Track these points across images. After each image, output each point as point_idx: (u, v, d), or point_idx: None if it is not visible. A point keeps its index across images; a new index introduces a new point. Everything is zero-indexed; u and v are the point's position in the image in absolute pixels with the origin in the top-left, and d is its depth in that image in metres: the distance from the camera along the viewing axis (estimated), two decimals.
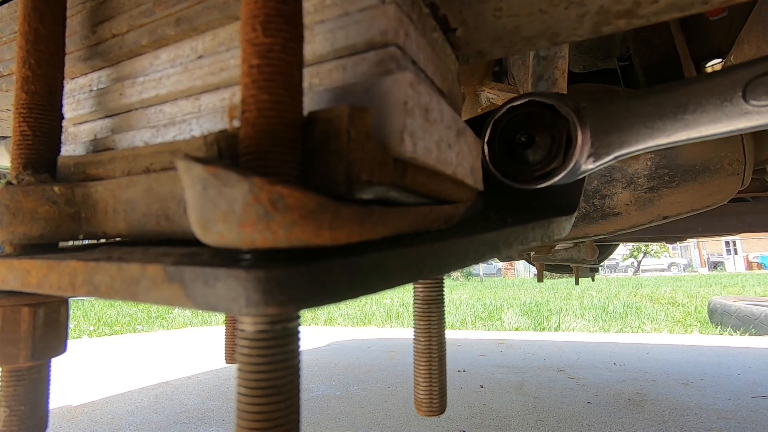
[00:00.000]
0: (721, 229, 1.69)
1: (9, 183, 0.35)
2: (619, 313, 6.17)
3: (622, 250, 24.68)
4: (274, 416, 0.19)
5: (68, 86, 0.44)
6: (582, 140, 0.47)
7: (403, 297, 8.79)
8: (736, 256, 28.01)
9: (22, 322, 0.35)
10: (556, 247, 2.09)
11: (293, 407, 0.20)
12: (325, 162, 0.22)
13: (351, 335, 4.59)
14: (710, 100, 0.43)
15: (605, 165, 0.49)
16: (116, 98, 0.40)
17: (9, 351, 0.35)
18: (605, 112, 0.48)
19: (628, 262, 27.51)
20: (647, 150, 0.48)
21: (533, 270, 2.92)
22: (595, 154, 0.48)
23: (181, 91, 0.36)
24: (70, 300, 0.44)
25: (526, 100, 0.50)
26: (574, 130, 0.47)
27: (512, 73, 1.04)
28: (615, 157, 0.48)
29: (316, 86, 0.29)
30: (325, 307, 0.20)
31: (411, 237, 0.28)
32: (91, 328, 5.48)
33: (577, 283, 2.59)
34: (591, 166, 0.49)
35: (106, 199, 0.33)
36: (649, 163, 0.99)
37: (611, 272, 27.27)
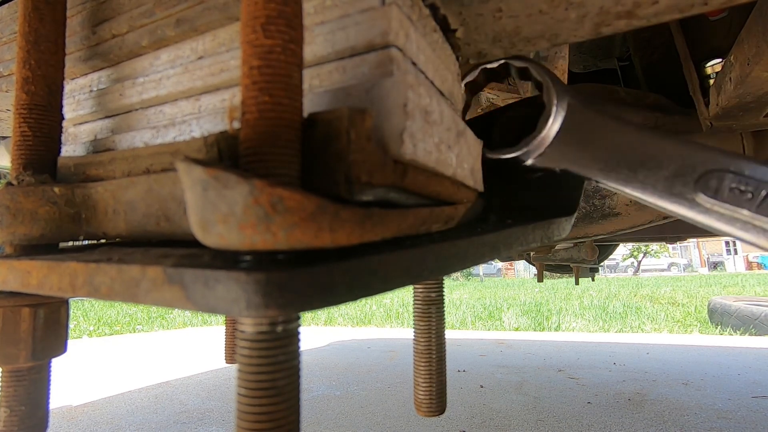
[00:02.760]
0: None
1: (9, 183, 0.35)
2: (619, 313, 6.17)
3: (622, 250, 24.68)
4: (274, 417, 0.19)
5: (68, 87, 0.44)
6: (555, 113, 0.44)
7: (403, 297, 8.79)
8: (736, 256, 28.02)
9: (23, 323, 0.35)
10: (556, 247, 2.09)
11: (293, 408, 0.20)
12: (325, 163, 0.22)
13: (351, 335, 4.59)
14: (669, 165, 0.41)
15: (549, 169, 0.47)
16: (116, 99, 0.40)
17: (9, 351, 0.35)
18: (585, 116, 0.45)
19: (628, 262, 27.51)
20: (588, 179, 0.46)
21: (533, 270, 2.93)
22: (548, 155, 0.45)
23: (182, 92, 0.36)
24: (70, 300, 0.44)
25: (502, 62, 0.47)
26: (548, 95, 0.45)
27: None
28: (561, 170, 0.46)
29: (316, 88, 0.29)
30: (326, 308, 0.20)
31: (411, 238, 0.28)
32: (91, 328, 5.48)
33: (577, 283, 2.60)
34: (532, 161, 0.46)
35: (106, 200, 0.33)
36: None
37: (611, 272, 27.27)
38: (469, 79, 0.48)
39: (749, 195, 0.38)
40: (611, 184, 0.44)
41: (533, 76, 0.46)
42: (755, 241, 0.38)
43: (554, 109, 0.45)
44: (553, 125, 0.45)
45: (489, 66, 0.47)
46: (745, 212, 0.38)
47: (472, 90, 0.50)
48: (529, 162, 0.46)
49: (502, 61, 0.46)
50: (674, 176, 0.41)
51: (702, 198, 0.40)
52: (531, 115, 0.49)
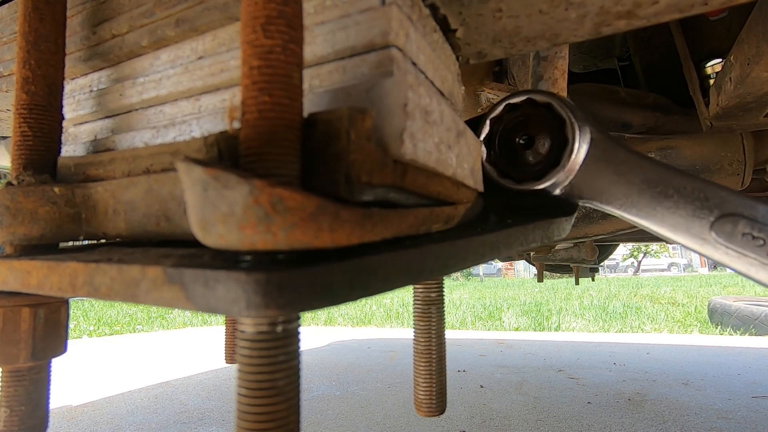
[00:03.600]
0: None
1: (9, 183, 0.35)
2: (619, 313, 6.17)
3: (622, 250, 24.66)
4: (274, 417, 0.19)
5: (68, 87, 0.44)
6: (578, 144, 0.46)
7: (403, 297, 8.79)
8: None
9: (23, 323, 0.35)
10: (556, 247, 2.09)
11: (293, 408, 0.20)
12: (325, 164, 0.22)
13: (351, 335, 4.59)
14: (688, 205, 0.42)
15: (576, 201, 0.48)
16: (116, 99, 0.40)
17: (9, 351, 0.35)
18: (607, 152, 0.46)
19: (628, 262, 27.49)
20: (607, 211, 0.47)
21: (533, 270, 2.93)
22: (573, 185, 0.47)
23: (182, 92, 0.36)
24: (71, 300, 0.44)
25: (524, 98, 0.49)
26: (570, 129, 0.46)
27: (512, 73, 1.05)
28: (582, 201, 0.48)
29: (317, 88, 0.29)
30: (326, 308, 0.20)
31: (411, 239, 0.28)
32: (91, 328, 5.48)
33: (577, 283, 2.60)
34: (559, 192, 0.48)
35: (106, 200, 0.33)
36: None
37: (611, 272, 27.24)
38: (494, 114, 0.51)
39: (761, 242, 0.39)
40: (631, 217, 0.45)
41: (555, 111, 0.47)
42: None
43: (577, 144, 0.47)
44: (576, 158, 0.47)
45: (513, 101, 0.50)
46: (758, 257, 0.39)
47: (498, 124, 0.52)
48: (557, 192, 0.48)
49: (525, 98, 0.49)
50: (692, 216, 0.42)
51: (715, 239, 0.41)
52: (533, 117, 0.49)
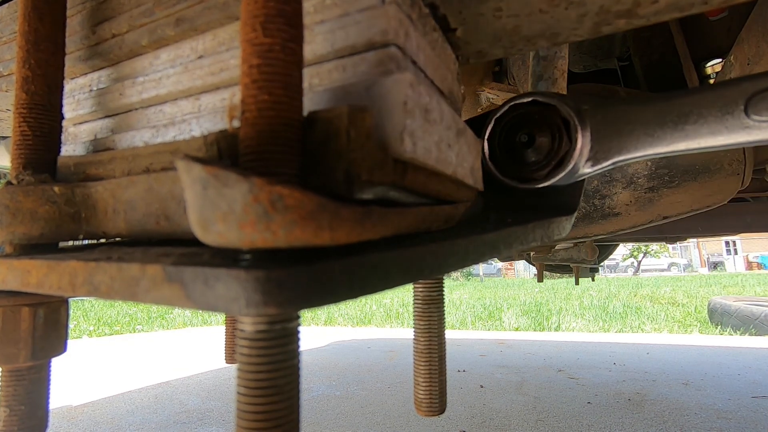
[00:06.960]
0: (721, 229, 1.69)
1: (9, 183, 0.35)
2: (619, 313, 6.17)
3: (622, 250, 24.67)
4: (274, 416, 0.19)
5: (68, 86, 0.44)
6: (582, 143, 0.47)
7: (403, 297, 8.79)
8: (736, 256, 27.98)
9: (22, 322, 0.35)
10: (556, 247, 2.09)
11: (293, 407, 0.20)
12: (324, 162, 0.22)
13: (351, 335, 4.59)
14: (712, 111, 0.43)
15: (603, 170, 0.49)
16: (116, 98, 0.40)
17: (9, 351, 0.35)
18: (607, 116, 0.48)
19: (628, 262, 27.49)
20: (646, 158, 0.48)
21: (533, 270, 2.93)
22: (594, 158, 0.48)
23: (181, 91, 0.36)
24: (70, 300, 0.44)
25: (530, 99, 0.50)
26: (574, 132, 0.47)
27: (512, 73, 1.05)
28: (613, 163, 0.48)
29: (316, 86, 0.29)
30: (325, 307, 0.20)
31: (411, 237, 0.28)
32: (91, 328, 5.48)
33: (577, 283, 2.60)
34: (588, 170, 0.49)
35: (106, 199, 0.33)
36: (649, 163, 0.99)
37: (611, 272, 27.24)
38: (500, 113, 0.51)
39: None
40: (665, 149, 0.46)
41: (560, 113, 0.48)
42: None
43: (580, 139, 0.47)
44: (584, 134, 0.48)
45: (519, 101, 0.50)
46: None
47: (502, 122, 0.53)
48: (585, 170, 0.49)
49: (531, 99, 0.50)
50: (722, 115, 0.42)
51: (757, 120, 0.41)
52: (538, 114, 0.50)
